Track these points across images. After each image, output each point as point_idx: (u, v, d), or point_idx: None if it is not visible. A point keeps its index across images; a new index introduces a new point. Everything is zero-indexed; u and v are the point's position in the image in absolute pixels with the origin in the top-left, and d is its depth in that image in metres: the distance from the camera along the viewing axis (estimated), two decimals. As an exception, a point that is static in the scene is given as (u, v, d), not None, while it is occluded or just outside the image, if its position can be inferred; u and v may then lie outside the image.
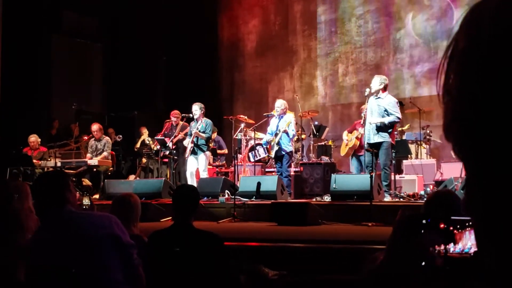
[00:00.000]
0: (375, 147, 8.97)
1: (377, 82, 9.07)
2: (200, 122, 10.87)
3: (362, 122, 9.40)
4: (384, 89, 9.08)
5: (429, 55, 13.38)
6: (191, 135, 10.91)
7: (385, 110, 8.97)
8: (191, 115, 11.12)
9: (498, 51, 0.69)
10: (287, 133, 10.40)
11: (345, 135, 10.98)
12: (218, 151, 13.08)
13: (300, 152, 11.98)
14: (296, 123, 11.43)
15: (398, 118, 9.08)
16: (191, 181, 10.73)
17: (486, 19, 0.71)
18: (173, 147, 11.43)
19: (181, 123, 11.64)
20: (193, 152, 10.88)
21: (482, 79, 0.69)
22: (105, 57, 16.11)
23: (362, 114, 9.25)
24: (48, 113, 14.70)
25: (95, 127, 12.15)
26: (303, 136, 12.31)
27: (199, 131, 10.78)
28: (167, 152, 11.80)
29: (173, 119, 11.90)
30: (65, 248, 3.04)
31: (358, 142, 10.36)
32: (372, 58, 14.18)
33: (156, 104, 15.84)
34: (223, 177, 10.74)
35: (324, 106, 14.66)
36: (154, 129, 13.42)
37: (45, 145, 12.59)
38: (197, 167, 10.90)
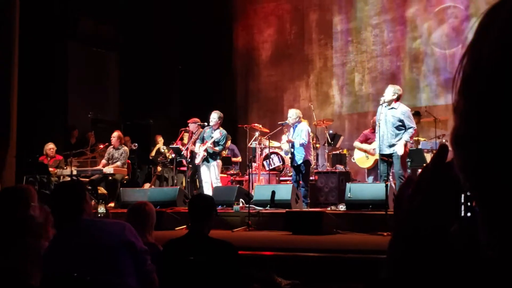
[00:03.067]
0: (389, 156, 8.97)
1: (390, 92, 9.05)
2: (217, 132, 10.91)
3: (373, 132, 9.42)
4: (397, 99, 9.04)
5: (445, 64, 13.31)
6: (202, 139, 10.95)
7: (400, 121, 8.94)
8: (206, 123, 11.18)
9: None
10: (300, 141, 10.38)
11: (358, 144, 10.96)
12: (233, 159, 13.08)
13: (315, 161, 11.96)
14: (311, 133, 11.36)
15: (414, 129, 9.05)
16: (206, 189, 10.79)
17: (499, 21, 0.67)
18: (189, 155, 11.48)
19: (200, 131, 11.66)
20: (205, 160, 10.91)
21: (492, 84, 0.66)
22: (121, 65, 16.17)
23: (377, 122, 9.19)
24: (64, 121, 14.77)
25: (115, 134, 12.13)
26: (317, 145, 12.27)
27: (215, 141, 10.82)
28: (185, 161, 11.80)
29: (191, 126, 11.91)
30: (80, 256, 3.08)
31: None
32: (388, 67, 14.14)
33: (171, 112, 15.87)
34: (238, 185, 10.80)
35: (340, 115, 14.64)
36: (169, 137, 13.46)
37: (61, 153, 12.65)
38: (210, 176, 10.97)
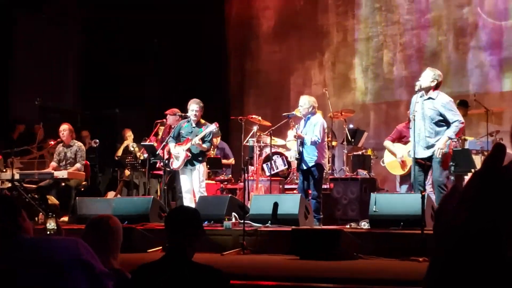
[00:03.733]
0: (427, 160, 9.01)
1: (428, 76, 9.09)
2: (201, 127, 11.01)
3: (409, 127, 9.43)
4: (436, 86, 9.09)
5: (500, 39, 13.34)
6: (177, 137, 11.05)
7: (440, 115, 9.00)
8: (188, 115, 11.22)
9: None
10: (312, 139, 10.37)
11: (389, 144, 10.97)
12: (223, 161, 13.09)
13: (330, 164, 11.97)
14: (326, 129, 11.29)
15: (461, 122, 9.02)
16: (188, 200, 10.86)
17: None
18: (166, 155, 11.50)
19: (179, 122, 11.60)
20: (189, 163, 10.97)
21: None
22: (82, 41, 16.16)
23: (411, 116, 9.18)
24: (5, 110, 14.75)
25: (64, 128, 12.12)
26: (333, 144, 12.25)
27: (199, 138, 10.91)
28: (160, 163, 11.81)
29: (170, 119, 11.93)
30: (22, 279, 3.07)
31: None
32: (427, 43, 14.15)
33: (144, 99, 15.90)
34: (229, 195, 10.82)
35: (364, 105, 14.70)
36: (141, 132, 13.47)
37: (1, 152, 12.60)
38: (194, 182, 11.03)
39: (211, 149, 12.15)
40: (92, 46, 15.99)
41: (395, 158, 10.88)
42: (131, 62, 15.96)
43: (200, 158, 10.99)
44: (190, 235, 3.93)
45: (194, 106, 10.99)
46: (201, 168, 10.98)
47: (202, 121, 11.10)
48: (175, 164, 10.99)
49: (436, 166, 8.97)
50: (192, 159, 10.94)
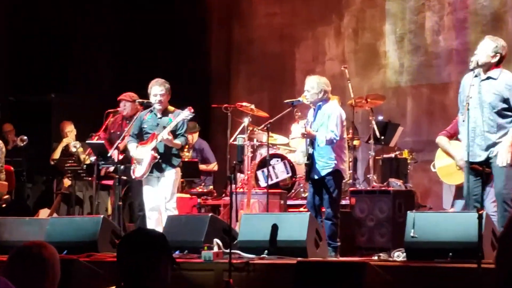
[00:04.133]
0: (486, 165, 9.05)
1: (488, 49, 9.10)
2: (169, 116, 11.09)
3: (463, 120, 9.24)
4: (498, 62, 9.11)
5: None
6: (138, 133, 11.14)
7: (504, 101, 9.03)
8: (152, 101, 11.25)
9: None
10: (327, 137, 10.34)
11: (444, 142, 10.94)
12: (202, 167, 13.21)
13: (350, 172, 11.97)
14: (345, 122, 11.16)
15: None
16: (155, 222, 10.96)
17: None
18: (121, 158, 11.47)
19: (139, 114, 11.70)
20: (156, 169, 10.99)
21: None
22: (7, 9, 16.18)
23: (463, 104, 9.17)
24: None
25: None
26: (355, 143, 12.40)
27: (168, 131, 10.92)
28: (110, 169, 11.87)
29: (126, 107, 12.05)
30: None
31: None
32: (486, 2, 14.14)
33: (91, 82, 15.94)
34: (210, 214, 10.80)
35: (398, 89, 14.79)
36: (87, 126, 13.47)
37: None
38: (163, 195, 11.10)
39: (186, 149, 12.26)
40: (22, 15, 16.04)
41: (452, 161, 10.83)
42: (74, 34, 16.07)
43: (172, 161, 11.05)
44: (152, 270, 3.97)
45: (157, 89, 11.04)
46: (171, 176, 11.03)
47: (171, 108, 11.19)
48: (138, 172, 11.03)
49: (499, 174, 8.98)
50: (160, 163, 10.97)
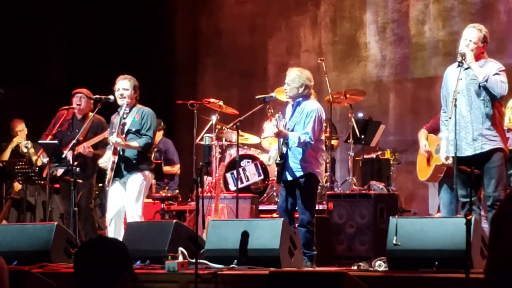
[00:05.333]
0: (475, 163, 9.03)
1: (472, 36, 9.35)
2: (133, 114, 11.12)
3: (449, 117, 9.45)
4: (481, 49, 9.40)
5: None
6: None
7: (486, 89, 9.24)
8: (111, 97, 11.29)
9: None
10: (301, 138, 10.31)
11: (423, 136, 11.05)
12: (165, 169, 13.33)
13: (328, 174, 12.12)
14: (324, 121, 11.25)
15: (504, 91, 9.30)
16: (115, 229, 11.07)
17: None
18: (76, 161, 11.40)
19: (91, 114, 11.77)
20: (118, 174, 11.02)
21: None
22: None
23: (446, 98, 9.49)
24: None
25: None
26: (333, 142, 12.45)
27: (131, 131, 11.07)
28: (62, 172, 11.76)
29: (77, 104, 11.89)
30: None
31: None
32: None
33: (43, 75, 16.05)
34: (174, 221, 10.82)
35: (379, 83, 14.93)
36: (39, 124, 13.26)
37: None
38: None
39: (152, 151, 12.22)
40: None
41: (423, 156, 11.15)
42: (26, 20, 16.24)
43: (136, 164, 11.08)
44: (111, 282, 4.03)
45: (120, 84, 11.00)
46: (136, 180, 11.08)
47: (138, 107, 11.18)
48: (107, 180, 11.16)
49: (490, 173, 9.22)
50: (122, 167, 11.04)
